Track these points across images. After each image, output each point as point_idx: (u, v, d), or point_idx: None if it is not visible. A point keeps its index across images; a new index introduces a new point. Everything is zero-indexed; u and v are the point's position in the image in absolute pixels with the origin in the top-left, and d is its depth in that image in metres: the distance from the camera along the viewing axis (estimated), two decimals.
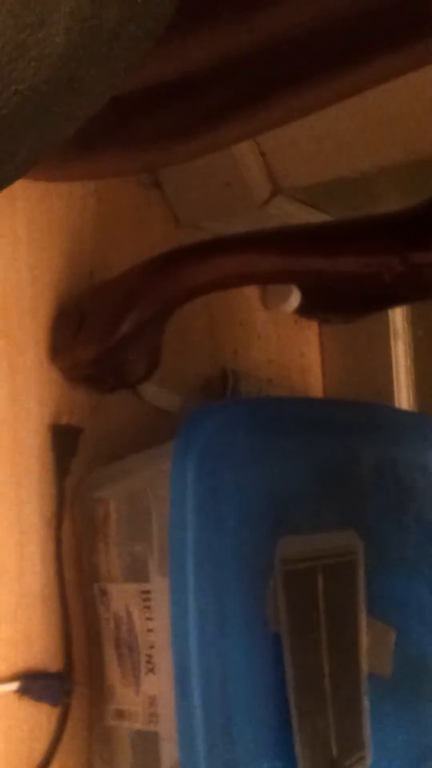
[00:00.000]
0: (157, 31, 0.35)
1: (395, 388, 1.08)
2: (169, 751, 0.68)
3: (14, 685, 0.70)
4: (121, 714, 0.73)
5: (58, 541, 0.75)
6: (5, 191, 0.39)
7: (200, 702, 0.60)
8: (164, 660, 0.68)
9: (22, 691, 0.71)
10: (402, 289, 0.74)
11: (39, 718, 0.73)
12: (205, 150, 0.66)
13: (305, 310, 1.06)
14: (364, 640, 0.77)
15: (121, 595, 0.72)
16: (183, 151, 0.66)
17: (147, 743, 0.71)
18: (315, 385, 1.14)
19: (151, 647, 0.70)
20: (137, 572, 0.71)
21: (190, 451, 0.64)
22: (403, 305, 1.07)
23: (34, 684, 0.71)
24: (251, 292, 1.03)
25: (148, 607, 0.70)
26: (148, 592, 0.70)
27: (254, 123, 0.62)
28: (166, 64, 0.59)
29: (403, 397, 1.09)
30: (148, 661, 0.70)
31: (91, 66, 0.33)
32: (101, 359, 0.75)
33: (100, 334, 0.75)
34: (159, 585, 0.69)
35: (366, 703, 0.75)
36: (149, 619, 0.70)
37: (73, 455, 0.77)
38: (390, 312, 1.08)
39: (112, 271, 0.81)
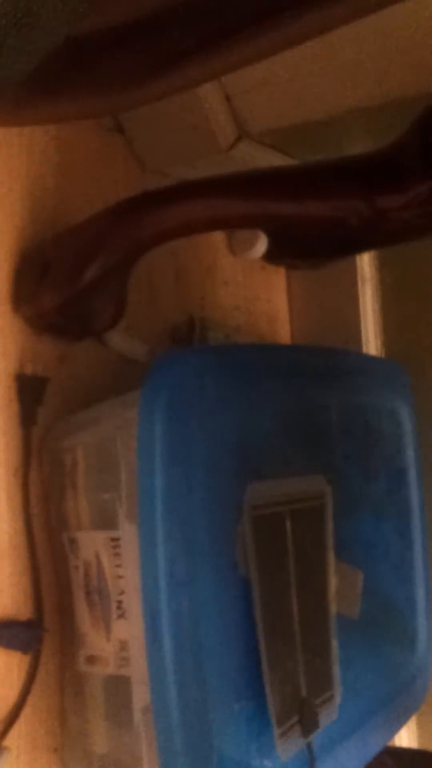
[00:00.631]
0: None
1: (363, 335, 1.09)
2: (140, 694, 0.69)
3: None
4: (92, 660, 0.73)
5: (25, 491, 0.75)
6: None
7: (171, 645, 0.61)
8: (134, 605, 0.68)
9: None
10: (369, 234, 0.74)
11: (10, 665, 0.73)
12: (170, 91, 0.65)
13: (272, 257, 1.05)
14: (333, 582, 0.78)
15: (91, 543, 0.73)
16: (147, 93, 0.64)
17: (119, 687, 0.71)
18: (283, 332, 1.13)
19: (122, 593, 0.70)
20: (106, 520, 0.71)
21: (157, 399, 0.64)
22: (370, 251, 1.07)
23: (5, 632, 0.71)
24: (218, 238, 1.02)
25: (118, 554, 0.70)
26: (117, 539, 0.70)
27: (219, 63, 0.61)
28: (129, 3, 0.57)
29: (371, 344, 1.09)
30: (119, 607, 0.71)
31: (48, 1, 0.32)
32: (66, 307, 0.74)
33: (65, 281, 0.74)
34: (128, 532, 0.69)
35: (334, 643, 0.77)
36: (119, 566, 0.70)
37: (39, 405, 0.76)
38: (358, 258, 1.08)
39: (75, 217, 0.80)
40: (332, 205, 0.70)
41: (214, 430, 0.68)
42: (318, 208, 0.71)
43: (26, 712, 0.73)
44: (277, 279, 1.13)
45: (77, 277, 0.73)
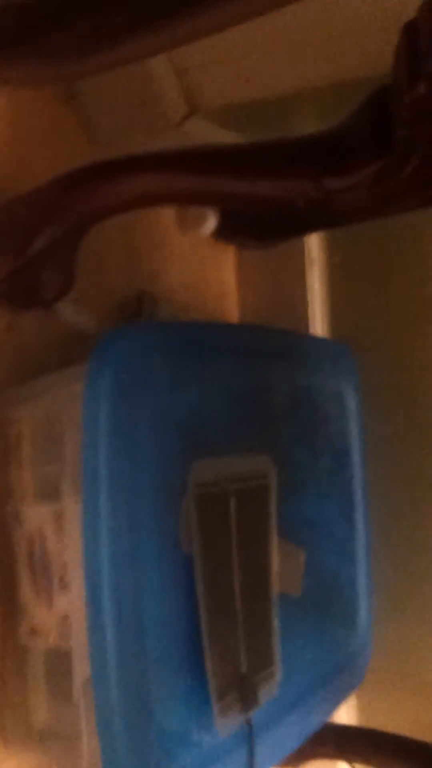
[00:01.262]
0: None
1: (310, 315, 1.09)
2: (81, 668, 0.69)
3: None
4: (33, 631, 0.73)
5: None
6: None
7: (112, 620, 0.61)
8: (77, 579, 0.68)
9: None
10: (316, 215, 0.74)
11: None
12: (117, 62, 0.65)
13: (222, 235, 1.05)
14: (275, 561, 0.78)
15: (35, 516, 0.72)
16: (96, 62, 0.64)
17: (59, 660, 0.71)
18: (231, 311, 1.14)
19: (64, 566, 0.70)
20: (50, 492, 0.71)
21: (103, 374, 0.64)
22: (318, 231, 1.07)
23: None
24: (168, 214, 1.02)
25: (61, 528, 0.70)
26: (61, 512, 0.70)
27: (166, 36, 0.61)
28: None
29: (318, 324, 1.10)
30: (61, 580, 0.71)
31: None
32: (13, 277, 0.74)
33: (12, 251, 0.73)
34: (72, 505, 0.69)
35: (276, 621, 0.77)
36: (62, 539, 0.70)
37: None
38: (306, 238, 1.08)
39: (23, 187, 0.78)
40: (280, 185, 0.70)
41: (161, 407, 0.68)
42: (266, 188, 0.71)
43: None
44: (227, 257, 1.13)
45: (25, 248, 0.73)
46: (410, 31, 0.63)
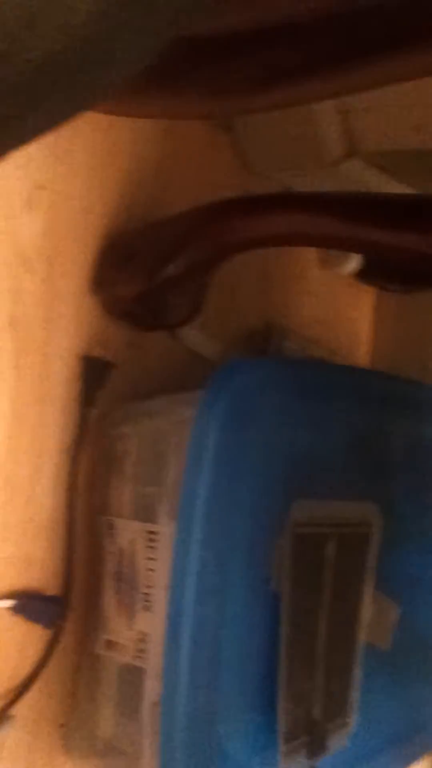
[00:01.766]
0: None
1: None
2: (152, 688, 0.69)
3: (9, 603, 0.72)
4: (111, 645, 0.74)
5: (73, 470, 0.76)
6: None
7: (189, 647, 0.61)
8: (160, 600, 0.69)
9: (17, 609, 0.72)
10: None
11: (30, 638, 0.74)
12: (289, 103, 0.65)
13: (364, 276, 1.04)
14: (367, 611, 0.77)
15: (128, 531, 0.73)
16: (264, 102, 0.64)
17: (132, 677, 0.72)
18: (362, 353, 1.12)
19: (150, 586, 0.71)
20: (147, 512, 0.72)
21: (216, 403, 0.64)
22: None
23: (30, 603, 0.72)
24: (309, 248, 1.01)
25: (153, 548, 0.71)
26: (154, 533, 0.71)
27: (343, 83, 0.60)
28: (259, 11, 0.57)
29: None
30: (145, 599, 0.71)
31: (121, 36, 0.31)
32: (143, 298, 0.75)
33: (145, 272, 0.74)
34: (166, 528, 0.69)
35: (357, 671, 0.76)
36: (152, 559, 0.71)
37: (100, 388, 0.77)
38: None
39: (169, 210, 0.80)
40: (428, 240, 0.68)
41: (270, 442, 0.67)
42: (413, 242, 0.69)
43: (38, 685, 0.74)
44: (366, 298, 1.12)
45: (158, 271, 0.74)
46: None
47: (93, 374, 0.77)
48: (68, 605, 0.76)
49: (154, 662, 0.70)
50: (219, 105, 0.66)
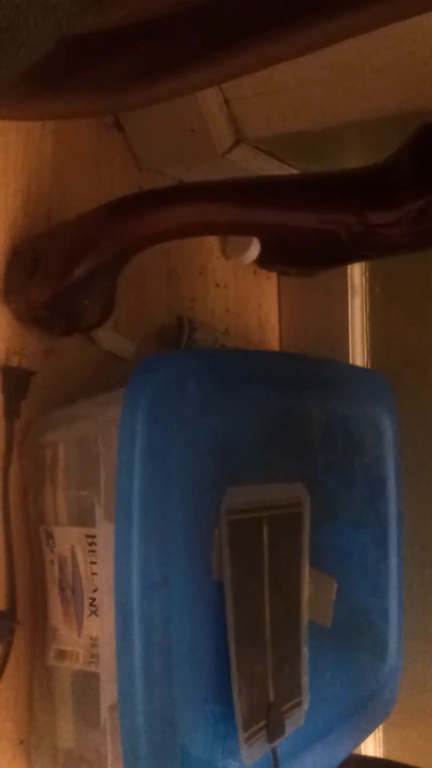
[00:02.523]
0: None
1: (350, 344, 1.09)
2: (108, 692, 0.69)
3: None
4: (62, 654, 0.74)
5: (5, 482, 0.75)
6: None
7: (141, 645, 0.61)
8: (107, 603, 0.68)
9: None
10: (359, 247, 0.74)
11: None
12: (171, 95, 0.65)
13: (264, 262, 1.05)
14: (306, 590, 0.78)
15: (67, 539, 0.73)
16: (148, 95, 0.64)
17: (87, 684, 0.72)
18: (271, 337, 1.14)
19: (95, 590, 0.71)
20: (84, 517, 0.72)
21: (139, 400, 0.64)
22: (360, 262, 1.07)
23: None
24: (211, 240, 1.03)
25: (93, 552, 0.71)
26: (93, 536, 0.71)
27: (221, 70, 0.61)
28: (135, 6, 0.57)
29: (358, 354, 1.10)
30: (91, 604, 0.71)
31: (29, 15, 0.32)
32: (54, 303, 0.75)
33: (54, 277, 0.74)
34: (105, 530, 0.69)
35: (305, 650, 0.77)
36: (93, 563, 0.71)
37: (23, 398, 0.77)
38: (348, 267, 1.08)
39: (69, 212, 0.80)
40: (323, 218, 0.70)
41: (195, 433, 0.68)
42: (309, 220, 0.71)
43: None
44: (269, 284, 1.13)
45: (67, 274, 0.73)
46: None
47: (14, 385, 0.76)
48: (15, 619, 0.75)
49: (107, 666, 0.69)
50: (105, 101, 0.66)
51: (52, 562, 0.75)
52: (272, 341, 1.14)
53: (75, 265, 0.73)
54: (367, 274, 1.10)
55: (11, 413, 0.76)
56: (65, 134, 0.84)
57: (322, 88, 0.79)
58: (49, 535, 0.75)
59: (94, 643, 0.71)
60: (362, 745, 1.08)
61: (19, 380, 0.77)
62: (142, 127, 0.89)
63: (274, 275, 1.14)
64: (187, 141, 0.87)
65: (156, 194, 0.75)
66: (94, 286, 0.76)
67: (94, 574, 0.71)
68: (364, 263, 1.09)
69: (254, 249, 1.01)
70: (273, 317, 1.14)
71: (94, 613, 0.71)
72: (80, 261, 0.73)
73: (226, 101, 0.84)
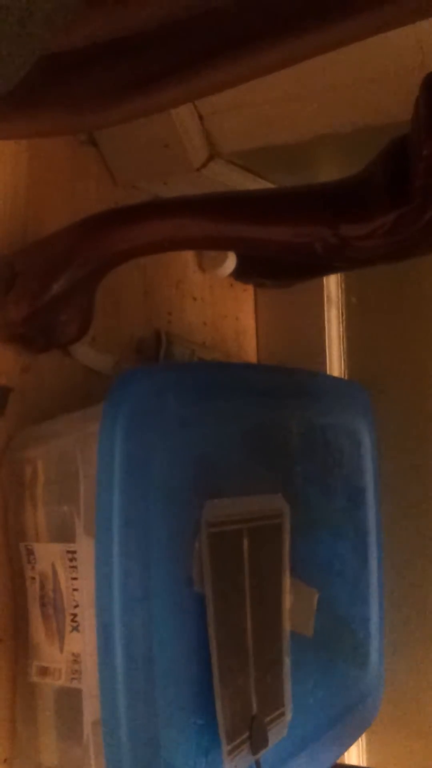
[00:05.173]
0: (74, 6, 0.34)
1: (327, 355, 1.10)
2: (91, 708, 0.69)
3: None
4: (44, 671, 0.73)
5: None
6: None
7: (123, 660, 0.61)
8: (89, 619, 0.68)
9: None
10: (334, 260, 0.74)
11: None
12: (144, 112, 0.66)
13: (241, 274, 1.06)
14: (288, 601, 0.78)
15: (48, 555, 0.73)
16: (122, 112, 0.65)
17: (70, 700, 0.71)
18: (249, 349, 1.14)
19: (76, 606, 0.71)
20: (64, 532, 0.72)
21: (118, 415, 0.64)
22: (336, 273, 1.08)
23: None
24: (187, 254, 1.03)
25: (74, 567, 0.71)
26: (74, 552, 0.71)
27: (194, 87, 0.62)
28: (107, 24, 0.58)
29: (335, 363, 1.10)
30: (73, 620, 0.71)
31: (2, 46, 0.32)
32: (32, 319, 0.75)
33: (32, 293, 0.74)
34: (85, 545, 0.69)
35: (287, 661, 0.77)
36: (75, 578, 0.71)
37: (1, 414, 0.76)
38: (324, 279, 1.09)
39: (45, 229, 0.80)
40: (298, 231, 0.70)
41: (174, 447, 0.68)
42: (284, 234, 0.71)
43: None
44: (246, 297, 1.14)
45: (44, 290, 0.74)
46: (430, 82, 0.64)
47: None
48: None
49: (89, 682, 0.69)
50: (80, 119, 0.66)
51: (33, 578, 0.75)
52: (250, 353, 1.14)
53: (52, 282, 0.74)
54: (343, 285, 1.11)
55: None
56: (40, 151, 0.84)
57: (295, 103, 0.79)
58: (30, 552, 0.75)
59: (76, 659, 0.71)
60: (345, 755, 1.09)
61: None
62: (117, 143, 0.89)
63: (250, 288, 1.15)
64: (162, 156, 0.87)
65: (132, 210, 0.76)
66: (71, 302, 0.76)
67: (75, 590, 0.71)
68: (339, 274, 1.10)
69: (230, 262, 1.02)
70: (250, 329, 1.14)
71: (75, 629, 0.71)
72: (57, 277, 0.73)
73: (200, 117, 0.84)
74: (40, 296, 0.74)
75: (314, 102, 0.79)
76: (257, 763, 0.72)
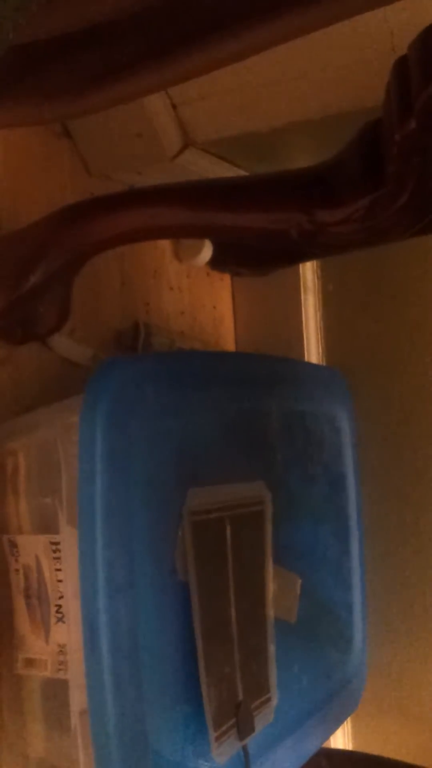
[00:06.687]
0: None
1: (305, 341, 1.10)
2: (78, 698, 0.69)
3: None
4: (30, 663, 0.73)
5: None
6: None
7: (108, 650, 0.61)
8: (73, 609, 0.68)
9: None
10: (309, 246, 0.75)
11: None
12: (117, 101, 0.66)
13: (217, 263, 1.06)
14: (271, 587, 0.79)
15: (31, 547, 0.73)
16: (94, 102, 0.64)
17: (56, 691, 0.71)
18: (227, 338, 1.14)
19: (61, 597, 0.71)
20: (47, 524, 0.72)
21: (98, 405, 0.64)
22: (311, 260, 1.08)
23: None
24: (164, 244, 1.03)
25: (58, 558, 0.71)
26: (57, 543, 0.71)
27: (166, 74, 0.62)
28: (78, 13, 0.58)
29: (313, 350, 1.11)
30: (58, 611, 0.71)
31: None
32: (9, 310, 0.75)
33: (9, 285, 0.74)
34: (68, 536, 0.69)
35: (272, 647, 0.78)
36: (59, 569, 0.71)
37: None
38: (300, 266, 1.09)
39: (20, 221, 0.79)
40: (272, 217, 0.70)
41: (155, 436, 0.68)
42: (259, 221, 0.71)
43: None
44: (222, 286, 1.14)
45: (21, 282, 0.73)
46: (401, 67, 0.64)
47: None
48: None
49: (75, 672, 0.69)
50: (53, 109, 0.66)
51: (17, 571, 0.74)
52: (228, 342, 1.14)
53: (29, 273, 0.73)
54: (319, 272, 1.11)
55: None
56: (13, 143, 0.83)
57: (266, 90, 0.80)
58: (13, 544, 0.75)
59: (61, 650, 0.71)
60: (331, 738, 1.09)
61: None
62: (90, 133, 0.89)
63: (227, 277, 1.15)
64: (136, 146, 0.87)
65: (107, 199, 0.76)
66: (48, 294, 0.76)
67: (59, 581, 0.71)
68: (315, 262, 1.10)
69: (207, 251, 1.02)
70: (228, 318, 1.15)
71: (60, 620, 0.71)
72: (34, 269, 0.73)
73: (173, 105, 0.84)
74: (17, 288, 0.73)
75: (286, 89, 0.79)
76: (244, 748, 0.72)
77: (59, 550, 0.70)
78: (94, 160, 0.92)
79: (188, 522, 0.69)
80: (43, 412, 0.76)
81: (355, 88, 0.77)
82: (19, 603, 0.74)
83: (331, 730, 0.94)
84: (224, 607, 0.72)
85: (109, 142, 0.89)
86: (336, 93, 0.78)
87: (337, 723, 0.95)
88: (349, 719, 1.10)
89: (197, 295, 1.08)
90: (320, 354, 1.11)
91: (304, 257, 1.01)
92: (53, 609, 0.71)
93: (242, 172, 0.96)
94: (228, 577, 0.73)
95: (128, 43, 0.60)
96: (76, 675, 0.69)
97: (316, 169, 0.71)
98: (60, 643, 0.71)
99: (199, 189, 0.75)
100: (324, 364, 1.12)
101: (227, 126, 0.85)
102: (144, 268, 1.00)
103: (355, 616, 0.97)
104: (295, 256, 0.97)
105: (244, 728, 0.72)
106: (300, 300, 1.10)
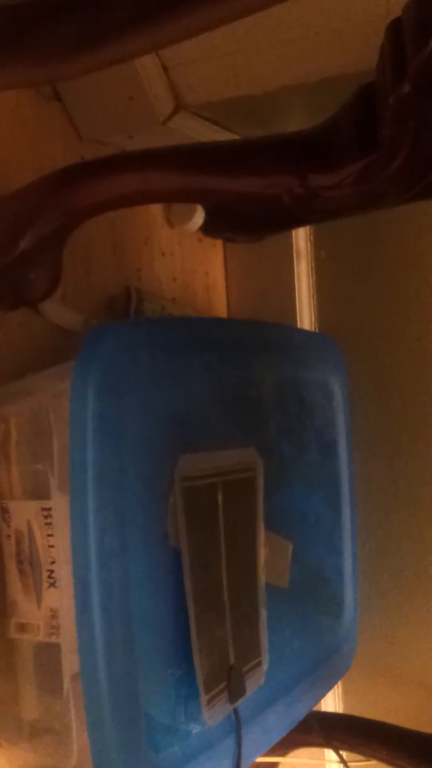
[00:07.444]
0: None
1: (297, 308, 1.10)
2: (70, 662, 0.70)
3: None
4: (22, 627, 0.74)
5: None
6: None
7: (100, 614, 0.61)
8: (65, 575, 0.69)
9: None
10: (302, 211, 0.74)
11: None
12: (107, 62, 0.65)
13: (209, 229, 1.05)
14: (262, 553, 0.79)
15: (23, 512, 0.73)
16: (84, 64, 0.64)
17: (49, 655, 0.72)
18: (219, 304, 1.14)
19: (53, 562, 0.71)
20: (38, 490, 0.72)
21: (90, 371, 0.64)
22: (304, 226, 1.08)
23: None
24: (155, 209, 1.02)
25: (50, 524, 0.71)
26: (49, 509, 0.71)
27: (156, 36, 0.61)
28: None
29: (305, 317, 1.10)
30: (50, 576, 0.71)
31: None
32: (0, 276, 0.74)
33: None
34: (60, 502, 0.69)
35: (263, 612, 0.78)
36: (50, 535, 0.71)
37: None
38: (293, 233, 1.09)
39: (11, 185, 0.79)
40: (265, 182, 0.70)
41: (147, 402, 0.68)
42: (251, 185, 0.71)
43: None
44: (215, 252, 1.14)
45: (11, 247, 0.73)
46: (394, 30, 0.63)
47: None
48: None
49: (68, 637, 0.70)
50: (43, 71, 0.65)
51: (9, 536, 0.75)
52: (220, 308, 1.14)
53: (19, 238, 0.73)
54: (311, 238, 1.11)
55: None
56: (3, 107, 0.82)
57: (259, 53, 0.79)
58: (5, 510, 0.75)
59: (54, 614, 0.71)
60: (322, 702, 1.11)
61: None
62: (81, 97, 0.88)
63: (219, 242, 1.14)
64: (127, 110, 0.86)
65: (98, 163, 0.75)
66: (39, 259, 0.75)
67: (51, 546, 0.71)
68: (308, 228, 1.10)
69: (198, 217, 1.01)
70: (220, 284, 1.14)
71: (52, 585, 0.71)
72: (24, 233, 0.73)
73: (165, 68, 0.83)
74: (8, 253, 0.73)
75: (280, 52, 0.78)
76: (235, 711, 0.73)
77: (51, 516, 0.71)
78: (85, 125, 0.91)
79: (180, 488, 0.69)
80: (35, 378, 0.76)
81: (350, 52, 0.76)
82: (11, 568, 0.75)
83: (322, 694, 0.95)
84: (216, 571, 0.72)
85: (100, 106, 0.88)
86: (331, 57, 0.78)
87: (328, 687, 0.96)
88: (339, 683, 1.11)
89: (189, 261, 1.08)
90: (313, 320, 1.11)
91: (297, 223, 1.01)
92: (45, 574, 0.71)
93: (235, 137, 0.95)
94: (219, 542, 0.73)
95: (117, 5, 0.59)
96: (68, 639, 0.70)
97: (309, 133, 0.70)
98: (52, 607, 0.71)
99: (192, 152, 0.74)
100: (316, 330, 1.11)
101: (220, 89, 0.84)
102: (136, 234, 0.99)
103: (346, 581, 0.98)
104: (288, 221, 0.96)
105: (235, 691, 0.73)
106: (293, 267, 1.09)
